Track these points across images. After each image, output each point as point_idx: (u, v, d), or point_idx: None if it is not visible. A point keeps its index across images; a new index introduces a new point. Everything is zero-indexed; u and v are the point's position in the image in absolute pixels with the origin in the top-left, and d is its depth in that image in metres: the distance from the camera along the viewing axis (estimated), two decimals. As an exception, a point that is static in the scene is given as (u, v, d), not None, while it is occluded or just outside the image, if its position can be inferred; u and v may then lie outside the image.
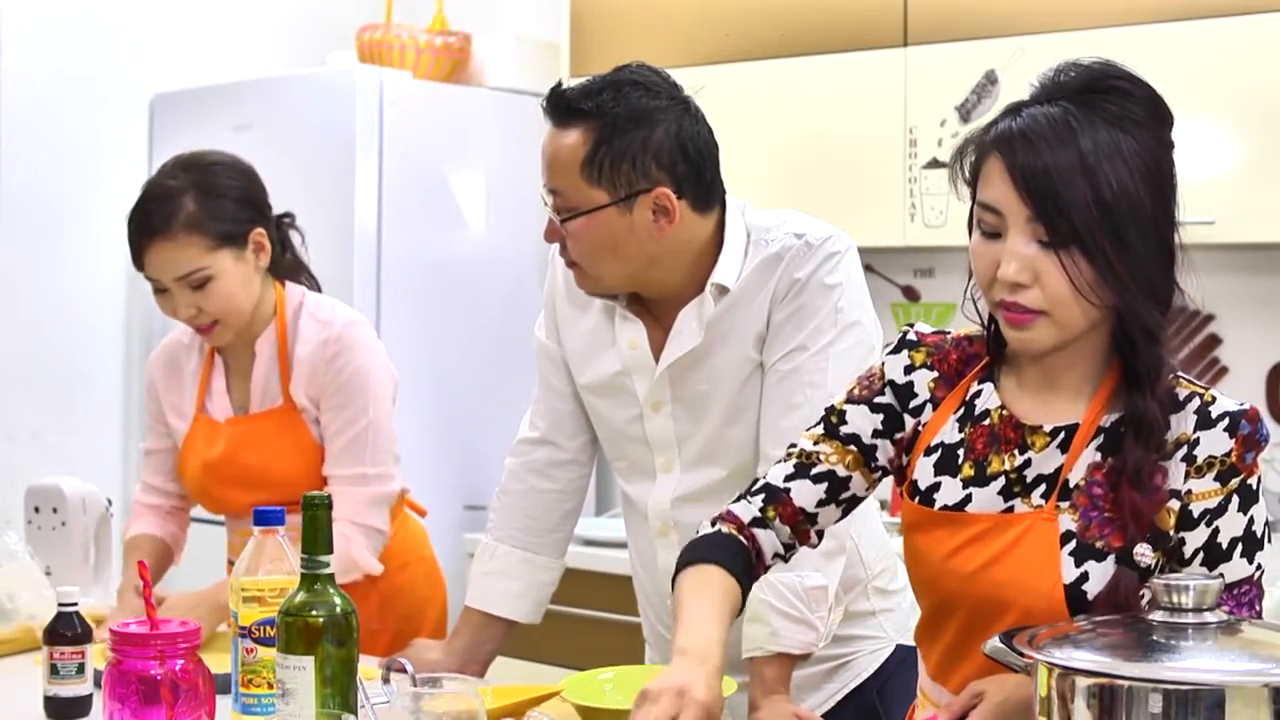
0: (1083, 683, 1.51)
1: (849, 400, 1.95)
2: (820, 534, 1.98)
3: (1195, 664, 1.51)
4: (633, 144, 2.22)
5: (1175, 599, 1.58)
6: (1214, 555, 1.74)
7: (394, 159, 4.29)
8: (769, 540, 1.94)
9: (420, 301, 4.33)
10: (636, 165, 2.22)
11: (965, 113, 3.79)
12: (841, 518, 1.98)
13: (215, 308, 2.72)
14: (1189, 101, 3.49)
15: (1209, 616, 1.57)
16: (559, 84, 2.29)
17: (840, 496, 1.94)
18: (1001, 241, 1.72)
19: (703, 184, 2.28)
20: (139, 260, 2.73)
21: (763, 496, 1.94)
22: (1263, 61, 3.43)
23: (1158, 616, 1.59)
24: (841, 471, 1.93)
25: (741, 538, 1.92)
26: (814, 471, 1.93)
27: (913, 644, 2.11)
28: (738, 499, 1.97)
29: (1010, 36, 3.72)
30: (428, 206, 4.40)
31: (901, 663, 2.38)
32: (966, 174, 1.80)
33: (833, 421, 1.95)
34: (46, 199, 4.47)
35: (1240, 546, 1.74)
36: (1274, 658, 1.53)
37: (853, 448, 1.93)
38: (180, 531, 3.03)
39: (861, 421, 1.93)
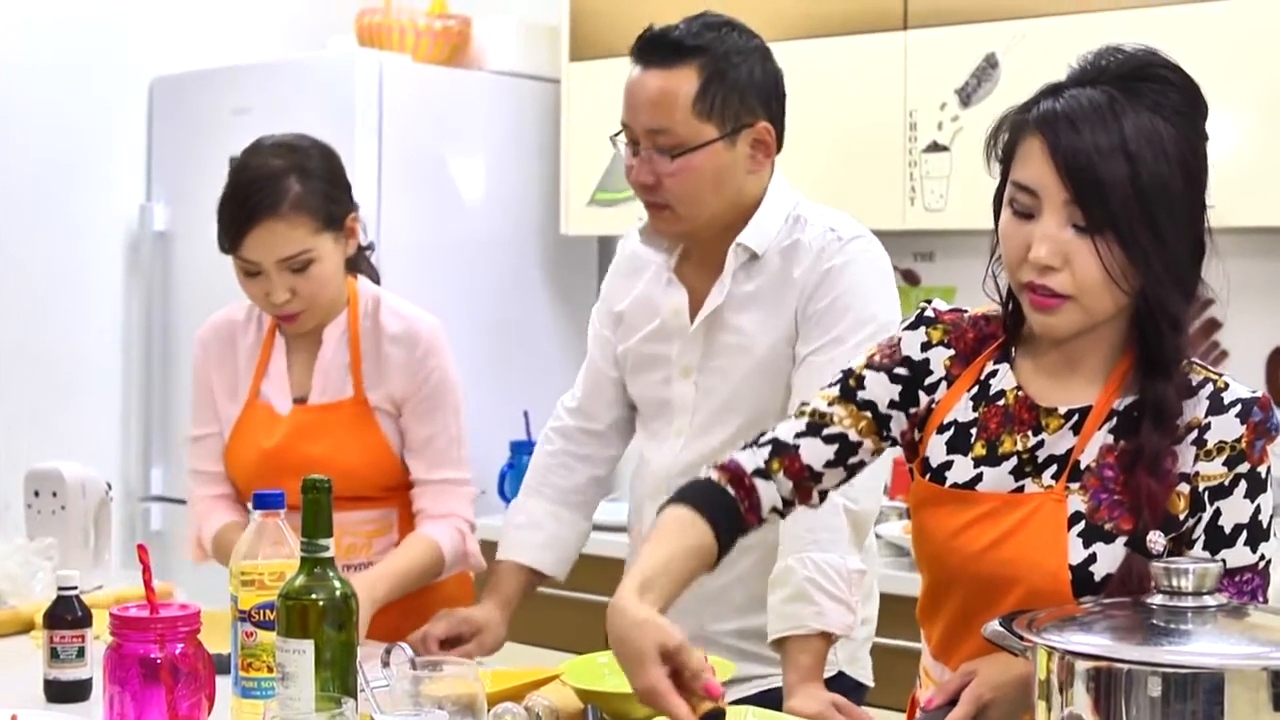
0: (1082, 666, 1.51)
1: (868, 365, 1.94)
2: (823, 495, 1.96)
3: (1195, 647, 1.51)
4: (741, 79, 2.35)
5: (1175, 582, 1.58)
6: (1215, 539, 1.73)
7: (393, 143, 4.29)
8: (769, 492, 1.92)
9: (418, 285, 4.29)
10: (744, 100, 2.35)
11: (965, 96, 3.79)
12: (844, 480, 1.97)
13: (309, 291, 2.65)
14: (1190, 85, 3.48)
15: (1209, 600, 1.57)
16: (651, 27, 2.40)
17: (849, 461, 1.94)
18: (1034, 223, 1.71)
19: (782, 125, 2.43)
20: (237, 242, 2.62)
21: (769, 449, 1.93)
22: (1264, 45, 3.42)
23: (1158, 600, 1.58)
24: (853, 436, 1.92)
25: (731, 489, 1.90)
26: (826, 432, 1.92)
27: (856, 678, 2.25)
28: (743, 448, 1.95)
29: (1010, 20, 3.71)
30: (427, 190, 4.40)
31: (846, 693, 2.21)
32: (1000, 152, 1.79)
33: (850, 385, 1.94)
34: (47, 181, 4.46)
35: (1244, 534, 1.73)
36: (1273, 641, 1.53)
37: (868, 414, 1.92)
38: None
39: (879, 390, 1.92)
